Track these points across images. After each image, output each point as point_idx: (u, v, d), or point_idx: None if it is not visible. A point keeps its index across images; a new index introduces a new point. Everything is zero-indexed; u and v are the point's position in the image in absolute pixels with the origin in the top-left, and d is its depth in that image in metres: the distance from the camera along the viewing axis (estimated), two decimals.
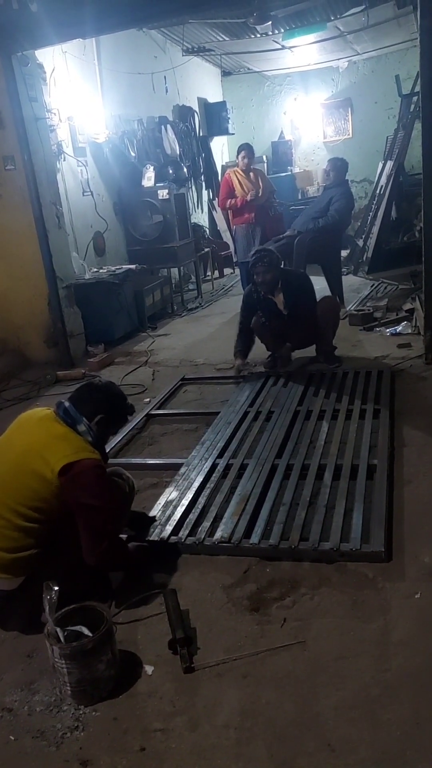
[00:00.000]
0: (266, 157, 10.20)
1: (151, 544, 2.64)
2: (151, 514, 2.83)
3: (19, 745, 1.82)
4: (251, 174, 6.91)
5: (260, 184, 6.90)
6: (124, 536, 2.60)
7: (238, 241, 6.88)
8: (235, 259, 8.19)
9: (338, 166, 6.30)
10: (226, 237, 9.17)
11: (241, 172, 6.86)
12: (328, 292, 6.37)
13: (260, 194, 6.83)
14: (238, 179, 6.84)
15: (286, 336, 4.52)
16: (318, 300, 4.57)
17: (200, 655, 2.06)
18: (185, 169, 8.22)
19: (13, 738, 1.84)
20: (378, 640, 2.03)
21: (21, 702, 1.97)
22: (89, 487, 2.19)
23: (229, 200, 6.73)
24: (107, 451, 2.76)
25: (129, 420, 2.60)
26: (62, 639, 1.93)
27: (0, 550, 2.16)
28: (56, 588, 1.97)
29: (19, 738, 1.84)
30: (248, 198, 6.72)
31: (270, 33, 7.47)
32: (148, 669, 2.03)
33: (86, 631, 1.96)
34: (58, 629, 1.94)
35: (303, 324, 4.44)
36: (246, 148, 6.91)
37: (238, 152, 6.88)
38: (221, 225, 9.44)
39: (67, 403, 2.34)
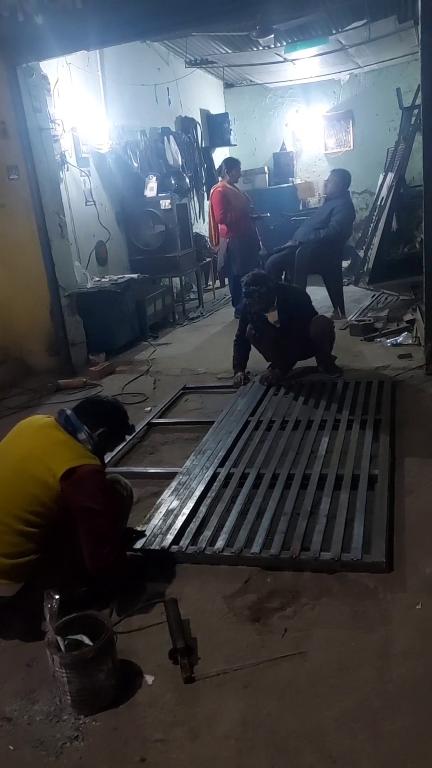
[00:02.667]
0: (268, 168, 10.25)
1: (152, 553, 2.63)
2: (153, 522, 2.83)
3: (18, 755, 1.81)
4: (237, 186, 7.04)
5: (246, 196, 7.04)
6: None
7: (236, 253, 6.89)
8: (218, 269, 8.21)
9: (340, 177, 6.34)
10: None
11: (230, 186, 6.92)
12: (328, 302, 6.42)
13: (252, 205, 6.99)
14: (233, 192, 6.91)
15: (281, 346, 4.54)
16: (311, 322, 4.56)
17: (201, 665, 2.05)
18: (187, 180, 8.27)
19: (12, 748, 1.83)
20: (379, 651, 2.03)
21: (20, 711, 1.96)
22: (90, 492, 2.21)
23: (229, 213, 6.77)
24: (106, 462, 2.76)
25: (126, 439, 2.59)
26: (62, 648, 1.92)
27: (2, 556, 2.17)
28: (57, 596, 1.97)
29: (19, 748, 1.83)
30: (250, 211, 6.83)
31: (272, 46, 7.53)
32: (149, 679, 2.02)
33: (87, 640, 1.95)
34: (58, 638, 1.93)
35: (296, 338, 4.48)
36: (238, 164, 7.02)
37: (231, 167, 6.93)
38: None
39: (69, 411, 2.38)
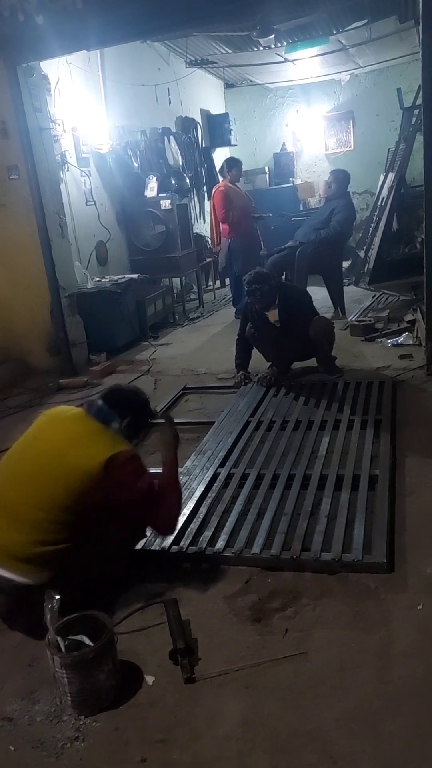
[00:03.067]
0: (268, 168, 10.25)
1: (152, 553, 2.63)
2: None
3: (18, 755, 1.81)
4: (238, 186, 7.05)
5: (248, 196, 7.05)
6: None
7: (237, 253, 6.90)
8: (219, 269, 8.23)
9: (340, 177, 6.34)
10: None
11: (232, 185, 6.93)
12: (329, 303, 6.42)
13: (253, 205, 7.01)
14: (235, 192, 6.92)
15: (281, 346, 4.54)
16: (311, 322, 4.56)
17: (201, 665, 2.05)
18: (188, 180, 8.28)
19: (12, 748, 1.83)
20: (380, 652, 2.02)
21: (21, 712, 1.96)
22: (136, 475, 2.31)
23: (231, 212, 6.78)
24: None
25: (150, 428, 2.66)
26: (63, 648, 1.92)
27: (38, 543, 2.19)
28: (57, 597, 1.97)
29: (19, 748, 1.83)
30: (252, 211, 6.83)
31: (273, 46, 7.54)
32: (149, 679, 2.02)
33: (87, 641, 1.95)
34: (59, 638, 1.93)
35: (296, 338, 4.47)
36: (239, 164, 7.04)
37: (232, 166, 6.95)
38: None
39: (100, 402, 2.44)
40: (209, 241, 8.24)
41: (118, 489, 2.26)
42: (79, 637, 1.96)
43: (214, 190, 7.05)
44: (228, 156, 9.71)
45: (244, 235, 6.86)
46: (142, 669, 2.07)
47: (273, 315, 4.45)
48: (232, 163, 6.96)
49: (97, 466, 2.22)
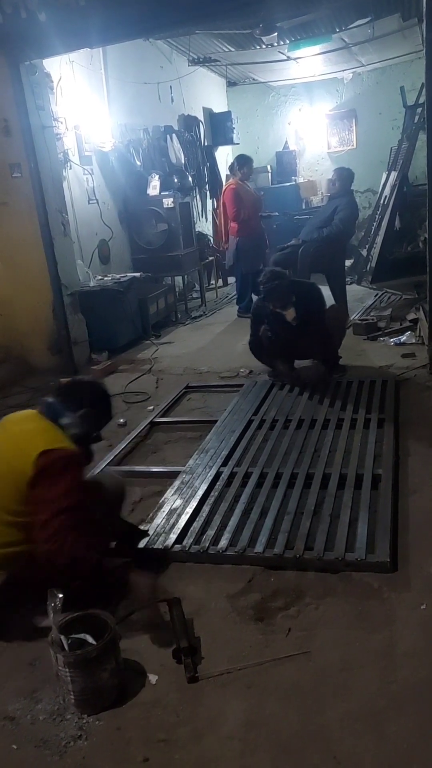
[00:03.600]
0: (270, 167, 10.23)
1: (155, 552, 2.63)
2: (155, 522, 2.83)
3: (21, 754, 1.81)
4: (248, 184, 7.03)
5: (257, 194, 7.03)
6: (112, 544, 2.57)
7: (244, 251, 6.90)
8: (227, 267, 8.22)
9: (343, 176, 6.32)
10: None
11: (242, 183, 6.92)
12: (332, 301, 6.40)
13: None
14: (245, 190, 6.91)
15: (296, 347, 4.50)
16: (327, 310, 4.53)
17: (204, 664, 2.04)
18: (190, 179, 8.25)
19: (15, 747, 1.83)
20: (383, 651, 2.02)
21: (24, 710, 1.95)
22: (62, 473, 2.14)
23: (242, 211, 6.78)
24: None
25: (112, 417, 2.58)
26: (66, 647, 1.92)
27: None
28: (60, 595, 1.96)
29: (22, 747, 1.83)
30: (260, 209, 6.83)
31: (275, 44, 7.51)
32: (152, 678, 2.02)
33: (90, 639, 1.95)
34: (62, 637, 1.93)
35: (312, 334, 4.42)
36: (251, 162, 7.01)
37: (243, 164, 6.94)
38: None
39: (50, 399, 2.40)
40: (211, 239, 8.20)
41: (38, 481, 2.11)
42: (81, 636, 1.96)
43: (224, 188, 7.03)
44: (230, 154, 9.72)
45: (252, 234, 6.86)
46: (145, 668, 2.06)
47: (289, 314, 4.39)
48: (243, 161, 6.94)
49: (30, 463, 2.13)
